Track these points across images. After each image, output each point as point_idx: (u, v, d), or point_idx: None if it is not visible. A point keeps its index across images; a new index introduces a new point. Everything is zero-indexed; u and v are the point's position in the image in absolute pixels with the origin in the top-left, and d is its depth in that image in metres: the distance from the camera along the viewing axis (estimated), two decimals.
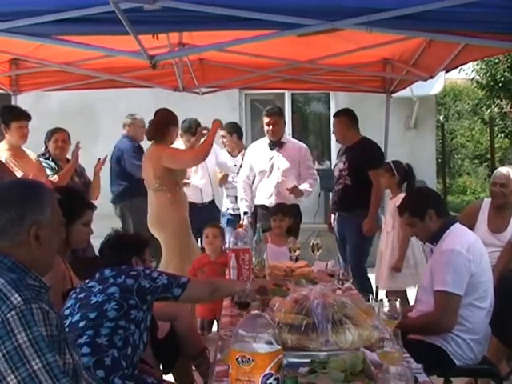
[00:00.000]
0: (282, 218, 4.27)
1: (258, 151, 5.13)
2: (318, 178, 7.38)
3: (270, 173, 5.03)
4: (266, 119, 5.02)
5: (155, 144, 4.35)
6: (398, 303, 2.17)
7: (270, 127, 4.99)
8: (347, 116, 4.83)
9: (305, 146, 5.20)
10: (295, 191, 4.86)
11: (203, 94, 5.64)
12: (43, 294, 1.63)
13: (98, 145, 8.01)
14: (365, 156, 4.63)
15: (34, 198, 1.71)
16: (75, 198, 2.92)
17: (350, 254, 4.67)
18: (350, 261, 4.53)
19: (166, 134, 4.32)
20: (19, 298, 1.56)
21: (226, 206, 5.60)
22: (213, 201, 5.52)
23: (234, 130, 5.71)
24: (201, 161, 4.45)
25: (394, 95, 5.58)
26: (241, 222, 4.37)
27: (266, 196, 5.02)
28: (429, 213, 2.84)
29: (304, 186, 4.96)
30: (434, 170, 8.87)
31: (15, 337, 1.53)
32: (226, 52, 4.43)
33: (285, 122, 5.24)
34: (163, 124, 4.32)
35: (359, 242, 4.63)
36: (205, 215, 5.08)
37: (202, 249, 4.36)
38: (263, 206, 5.00)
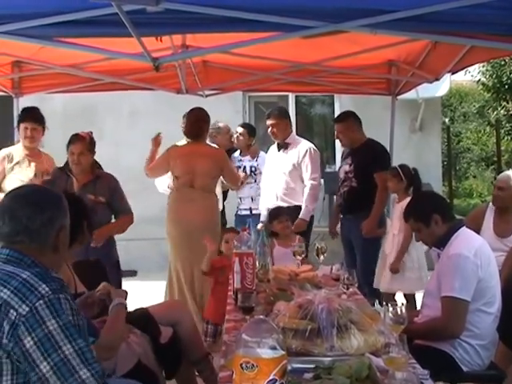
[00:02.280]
0: (287, 218, 4.28)
1: (271, 154, 5.26)
2: (323, 181, 7.43)
3: (274, 175, 5.04)
4: (267, 122, 5.10)
5: (197, 141, 4.64)
6: (403, 308, 2.16)
7: (271, 129, 5.04)
8: (352, 118, 4.82)
9: (309, 145, 5.09)
10: (298, 225, 4.81)
11: (206, 96, 5.65)
12: (65, 286, 1.72)
13: (101, 147, 7.99)
14: (371, 158, 4.62)
15: (60, 202, 1.86)
16: (79, 203, 2.93)
17: (358, 258, 4.66)
18: (359, 265, 4.53)
19: (206, 132, 4.75)
20: (47, 288, 1.64)
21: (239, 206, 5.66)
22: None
23: (253, 132, 5.86)
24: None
25: (400, 97, 5.58)
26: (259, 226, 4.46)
27: (270, 199, 5.01)
28: (434, 218, 2.83)
29: (303, 208, 4.89)
30: (440, 173, 8.85)
31: (45, 324, 1.59)
32: (230, 54, 4.44)
33: (288, 123, 5.21)
34: (204, 122, 4.68)
35: (366, 246, 4.62)
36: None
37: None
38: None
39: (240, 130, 5.82)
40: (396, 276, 4.34)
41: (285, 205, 4.85)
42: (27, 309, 1.60)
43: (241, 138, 5.76)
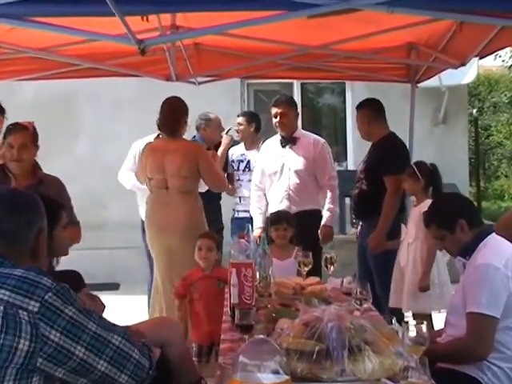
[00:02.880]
0: (286, 226, 4.28)
1: (270, 150, 5.14)
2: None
3: (281, 174, 5.01)
4: (273, 110, 5.03)
5: (172, 137, 4.62)
6: (424, 327, 2.16)
7: (278, 119, 4.98)
8: (368, 108, 4.82)
9: (322, 140, 5.15)
10: (327, 234, 4.87)
11: (199, 84, 5.66)
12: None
13: (78, 144, 8.08)
14: (382, 157, 4.61)
15: (37, 205, 1.99)
16: (50, 201, 2.91)
17: (373, 271, 4.66)
18: (375, 278, 4.54)
19: (183, 126, 4.68)
20: (50, 281, 1.81)
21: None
22: None
23: (254, 119, 5.82)
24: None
25: (420, 85, 5.59)
26: (255, 234, 4.47)
27: (276, 202, 5.00)
28: (460, 223, 2.83)
29: (327, 213, 4.94)
30: (467, 172, 8.87)
31: (63, 312, 1.79)
32: (226, 36, 4.44)
33: (297, 114, 5.23)
34: (181, 113, 4.65)
35: (379, 257, 4.61)
36: None
37: None
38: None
39: (239, 119, 5.85)
40: (415, 294, 4.32)
41: (296, 209, 4.84)
42: (38, 304, 1.74)
43: (241, 128, 5.79)
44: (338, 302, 3.02)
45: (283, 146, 5.04)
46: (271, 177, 5.06)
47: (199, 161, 4.57)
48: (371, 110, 4.80)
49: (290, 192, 4.94)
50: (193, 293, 3.98)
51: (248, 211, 5.34)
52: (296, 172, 4.96)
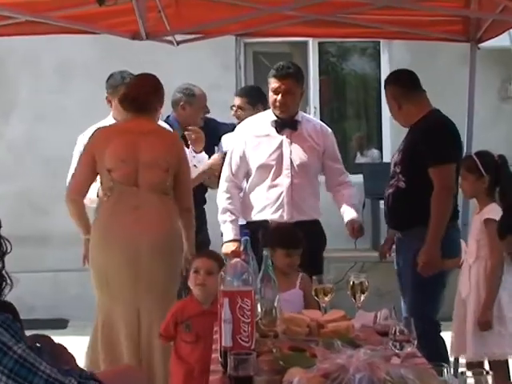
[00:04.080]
0: (293, 251, 4.26)
1: (258, 133, 5.10)
2: (361, 177, 7.43)
3: (279, 170, 5.00)
4: (273, 83, 4.97)
5: (142, 116, 4.59)
6: (490, 379, 2.17)
7: (279, 97, 4.95)
8: (394, 84, 4.81)
9: (330, 129, 5.22)
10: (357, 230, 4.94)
11: (179, 44, 5.67)
12: None
13: (10, 122, 8.06)
14: (424, 142, 4.61)
15: None
16: None
17: (409, 298, 4.67)
18: (409, 308, 4.57)
19: (156, 108, 4.69)
20: None
21: None
22: None
23: (259, 100, 5.77)
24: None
25: (483, 46, 5.61)
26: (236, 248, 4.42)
27: (271, 207, 5.00)
28: None
29: (350, 208, 5.02)
30: None
31: (11, 349, 1.97)
32: None
33: (303, 92, 5.22)
34: (154, 90, 4.63)
35: (421, 280, 4.62)
36: None
37: (187, 288, 4.39)
38: (264, 224, 4.92)
39: (237, 101, 5.78)
40: (482, 334, 4.32)
41: (297, 218, 4.85)
42: None
43: (241, 112, 5.73)
44: (369, 344, 3.02)
45: (279, 132, 5.02)
46: (260, 172, 5.02)
47: (181, 160, 4.61)
48: (398, 85, 4.81)
49: (293, 195, 4.95)
50: (183, 333, 3.97)
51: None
52: (300, 168, 4.96)
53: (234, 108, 5.80)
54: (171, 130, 5.24)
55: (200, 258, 4.10)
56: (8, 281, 3.10)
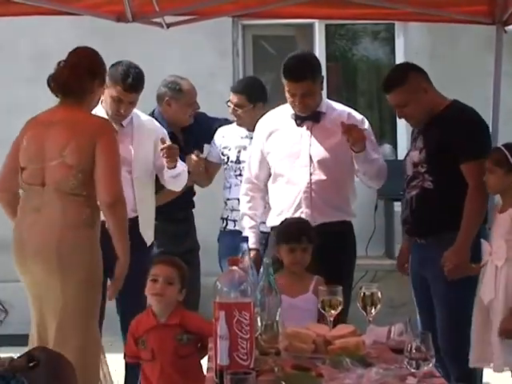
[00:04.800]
0: (306, 246, 4.29)
1: (276, 129, 5.09)
2: None
3: (297, 167, 4.98)
4: (287, 85, 4.91)
5: (68, 102, 4.41)
6: None
7: (297, 100, 4.88)
8: (414, 70, 4.79)
9: (361, 116, 5.12)
10: (356, 132, 4.69)
11: (169, 26, 5.68)
12: None
13: None
14: (456, 135, 4.61)
15: None
16: None
17: (439, 313, 4.67)
18: (440, 325, 4.57)
19: (88, 91, 4.42)
20: None
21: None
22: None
23: (259, 95, 5.73)
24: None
25: (510, 29, 5.61)
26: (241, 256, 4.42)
27: (289, 210, 4.95)
28: None
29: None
30: None
31: None
32: None
33: (323, 80, 5.16)
34: (87, 72, 4.40)
35: (453, 291, 4.63)
36: None
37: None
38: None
39: (234, 98, 5.71)
40: (510, 342, 4.34)
41: (320, 220, 4.83)
42: None
43: (239, 111, 5.70)
44: (382, 362, 3.03)
45: (299, 124, 5.01)
46: (279, 170, 5.03)
47: (97, 145, 4.28)
48: (419, 71, 4.79)
49: (313, 194, 4.92)
50: (141, 351, 4.00)
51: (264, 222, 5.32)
52: (321, 164, 4.91)
53: (231, 105, 5.74)
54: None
55: (159, 264, 4.11)
56: None
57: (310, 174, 4.91)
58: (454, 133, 4.61)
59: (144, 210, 5.12)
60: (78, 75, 4.37)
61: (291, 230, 4.46)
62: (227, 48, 8.16)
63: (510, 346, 4.31)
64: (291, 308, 3.84)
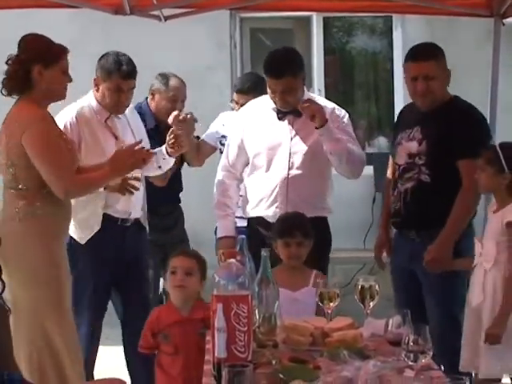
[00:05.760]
0: (301, 240, 4.30)
1: (257, 120, 5.09)
2: (372, 168, 7.43)
3: (276, 160, 4.98)
4: (268, 80, 4.92)
5: (20, 99, 4.40)
6: None
7: (278, 95, 4.89)
8: (442, 55, 4.79)
9: (344, 111, 5.11)
10: (312, 105, 4.72)
11: (166, 19, 5.68)
12: None
13: None
14: (461, 131, 4.60)
15: None
16: None
17: (430, 309, 4.68)
18: (433, 318, 4.56)
19: (28, 81, 4.36)
20: None
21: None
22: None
23: (263, 93, 5.72)
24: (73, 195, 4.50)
25: (508, 21, 5.61)
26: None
27: (265, 202, 4.99)
28: None
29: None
30: None
31: None
32: None
33: (305, 77, 5.15)
34: (18, 63, 4.38)
35: (447, 285, 4.64)
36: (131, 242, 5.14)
37: (160, 296, 4.39)
38: (261, 221, 4.97)
39: (240, 99, 5.66)
40: (497, 348, 4.33)
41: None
42: None
43: (239, 107, 5.71)
44: (379, 355, 3.04)
45: (280, 118, 4.99)
46: (257, 162, 5.00)
47: (23, 139, 4.26)
48: (444, 56, 4.80)
49: (289, 188, 4.91)
50: (162, 344, 3.96)
51: (243, 217, 5.32)
52: (300, 158, 4.91)
53: (236, 106, 5.73)
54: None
55: (177, 256, 4.08)
56: None
57: (289, 169, 4.91)
58: (456, 128, 4.61)
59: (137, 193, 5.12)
60: (11, 71, 4.37)
61: (285, 224, 4.47)
62: (225, 41, 8.16)
63: (496, 353, 4.30)
64: (292, 302, 3.85)
